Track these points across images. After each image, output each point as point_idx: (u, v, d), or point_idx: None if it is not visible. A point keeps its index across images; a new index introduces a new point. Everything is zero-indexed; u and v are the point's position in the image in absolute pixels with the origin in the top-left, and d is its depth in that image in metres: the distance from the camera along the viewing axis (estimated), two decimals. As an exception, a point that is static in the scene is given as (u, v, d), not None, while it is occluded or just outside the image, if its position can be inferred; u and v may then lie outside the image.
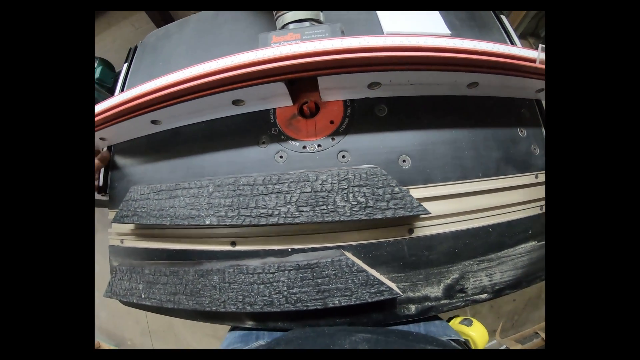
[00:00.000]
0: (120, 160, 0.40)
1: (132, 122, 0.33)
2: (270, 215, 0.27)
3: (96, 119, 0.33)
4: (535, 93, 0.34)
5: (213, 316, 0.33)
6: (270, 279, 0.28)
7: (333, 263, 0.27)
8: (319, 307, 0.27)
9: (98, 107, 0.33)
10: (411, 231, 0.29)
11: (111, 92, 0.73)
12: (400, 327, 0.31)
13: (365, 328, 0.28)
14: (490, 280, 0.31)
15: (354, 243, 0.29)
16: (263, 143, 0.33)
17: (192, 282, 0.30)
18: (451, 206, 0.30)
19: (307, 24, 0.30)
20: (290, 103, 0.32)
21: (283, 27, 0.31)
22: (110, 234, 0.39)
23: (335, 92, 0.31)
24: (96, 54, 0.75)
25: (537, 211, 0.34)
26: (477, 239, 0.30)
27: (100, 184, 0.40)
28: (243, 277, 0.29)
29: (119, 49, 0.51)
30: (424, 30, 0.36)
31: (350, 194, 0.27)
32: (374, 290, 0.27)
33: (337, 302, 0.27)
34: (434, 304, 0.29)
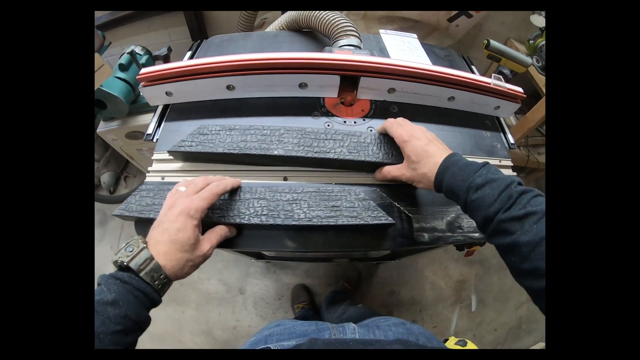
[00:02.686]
0: (177, 116, 0.45)
1: (209, 82, 0.42)
2: (327, 153, 0.37)
3: (167, 72, 0.41)
4: (494, 110, 0.51)
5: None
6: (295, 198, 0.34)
7: (345, 190, 0.35)
8: (331, 223, 0.33)
9: (173, 64, 0.41)
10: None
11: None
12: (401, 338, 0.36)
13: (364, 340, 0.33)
14: None
15: (385, 183, 0.40)
16: (315, 115, 0.46)
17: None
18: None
19: (353, 47, 0.48)
20: (335, 95, 0.47)
21: (340, 47, 0.49)
22: (150, 172, 0.41)
23: (367, 91, 0.47)
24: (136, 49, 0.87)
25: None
26: None
27: (152, 135, 0.44)
28: (272, 194, 0.35)
29: (153, 51, 0.63)
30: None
31: (382, 146, 0.39)
32: (374, 215, 0.34)
33: (345, 220, 0.33)
34: (441, 234, 0.38)
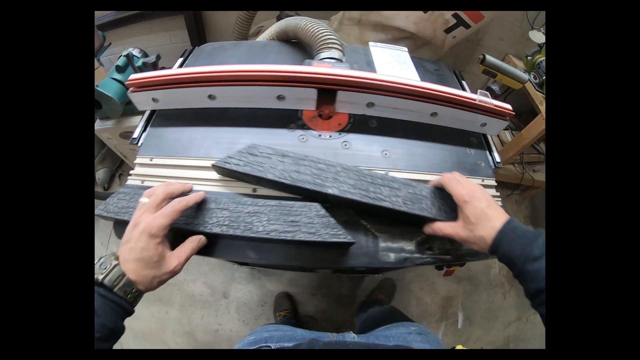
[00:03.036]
0: (162, 122, 0.47)
1: (192, 91, 0.43)
2: (383, 200, 0.35)
3: (153, 80, 0.42)
4: (480, 127, 0.49)
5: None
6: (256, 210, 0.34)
7: (306, 205, 0.35)
8: (288, 237, 0.33)
9: (159, 72, 0.42)
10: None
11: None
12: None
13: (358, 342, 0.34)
14: (452, 245, 0.39)
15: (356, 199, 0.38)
16: (291, 128, 0.46)
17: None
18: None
19: (334, 60, 0.49)
20: (313, 108, 0.47)
21: (321, 59, 0.49)
22: (132, 176, 0.42)
23: (345, 105, 0.46)
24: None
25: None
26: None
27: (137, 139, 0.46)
28: (235, 206, 0.35)
29: (151, 53, 0.64)
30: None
31: (436, 201, 0.37)
32: (332, 233, 0.33)
33: (302, 236, 0.33)
34: (408, 255, 0.37)
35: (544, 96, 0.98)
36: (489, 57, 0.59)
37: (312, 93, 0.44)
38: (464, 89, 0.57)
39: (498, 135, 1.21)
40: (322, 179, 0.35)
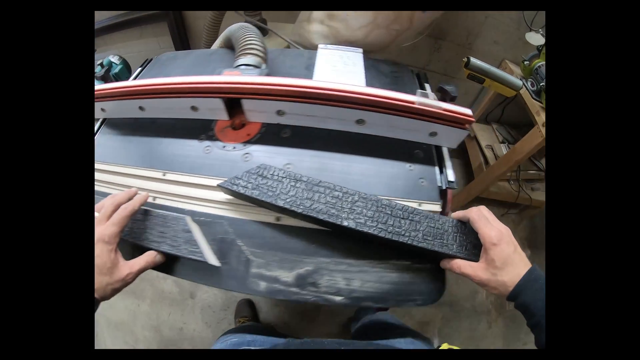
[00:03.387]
0: (109, 129, 0.50)
1: (126, 103, 0.45)
2: (401, 235, 0.32)
3: (100, 92, 0.45)
4: (429, 137, 0.41)
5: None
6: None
7: (175, 218, 0.35)
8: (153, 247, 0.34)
9: (104, 85, 0.46)
10: (279, 219, 0.37)
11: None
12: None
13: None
14: (347, 285, 0.34)
15: (236, 217, 0.37)
16: (201, 139, 0.44)
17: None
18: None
19: (248, 67, 0.46)
20: (226, 118, 0.45)
21: (235, 67, 0.47)
22: None
23: (255, 114, 0.44)
24: (122, 55, 0.95)
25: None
26: (340, 239, 0.34)
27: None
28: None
29: (141, 58, 0.68)
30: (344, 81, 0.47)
31: (458, 236, 0.33)
32: (191, 250, 0.33)
33: (166, 247, 0.34)
34: (283, 288, 0.33)
35: (542, 105, 0.86)
36: (474, 60, 0.52)
37: (219, 103, 0.42)
38: (443, 90, 0.45)
39: (492, 149, 1.09)
40: (337, 209, 0.33)
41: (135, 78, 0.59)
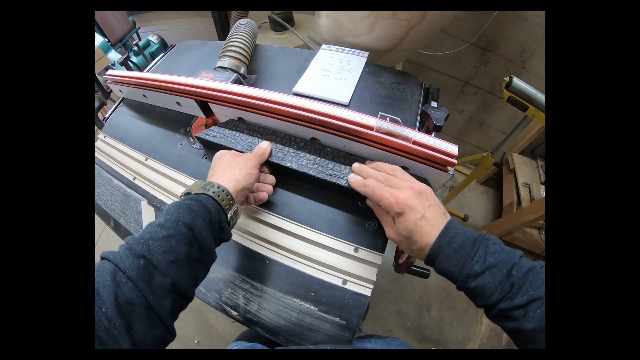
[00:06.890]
0: (124, 108, 0.60)
1: (133, 89, 0.54)
2: (340, 178, 0.35)
3: (116, 78, 0.55)
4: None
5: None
6: None
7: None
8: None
9: (121, 72, 0.55)
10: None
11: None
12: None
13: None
14: (245, 304, 0.34)
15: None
16: (179, 133, 0.50)
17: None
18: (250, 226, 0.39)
19: (226, 70, 0.48)
20: (204, 116, 0.49)
21: (214, 69, 0.49)
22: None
23: (222, 117, 0.46)
24: (170, 33, 1.04)
25: (338, 282, 0.34)
26: (253, 261, 0.36)
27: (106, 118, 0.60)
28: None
29: (187, 36, 0.69)
30: (327, 96, 0.46)
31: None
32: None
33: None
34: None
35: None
36: (517, 81, 0.44)
37: (193, 102, 0.46)
38: (426, 115, 0.39)
39: (529, 188, 0.89)
40: (283, 153, 0.38)
41: (157, 62, 0.67)
